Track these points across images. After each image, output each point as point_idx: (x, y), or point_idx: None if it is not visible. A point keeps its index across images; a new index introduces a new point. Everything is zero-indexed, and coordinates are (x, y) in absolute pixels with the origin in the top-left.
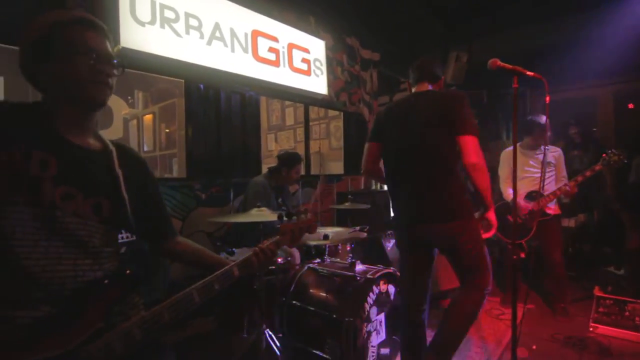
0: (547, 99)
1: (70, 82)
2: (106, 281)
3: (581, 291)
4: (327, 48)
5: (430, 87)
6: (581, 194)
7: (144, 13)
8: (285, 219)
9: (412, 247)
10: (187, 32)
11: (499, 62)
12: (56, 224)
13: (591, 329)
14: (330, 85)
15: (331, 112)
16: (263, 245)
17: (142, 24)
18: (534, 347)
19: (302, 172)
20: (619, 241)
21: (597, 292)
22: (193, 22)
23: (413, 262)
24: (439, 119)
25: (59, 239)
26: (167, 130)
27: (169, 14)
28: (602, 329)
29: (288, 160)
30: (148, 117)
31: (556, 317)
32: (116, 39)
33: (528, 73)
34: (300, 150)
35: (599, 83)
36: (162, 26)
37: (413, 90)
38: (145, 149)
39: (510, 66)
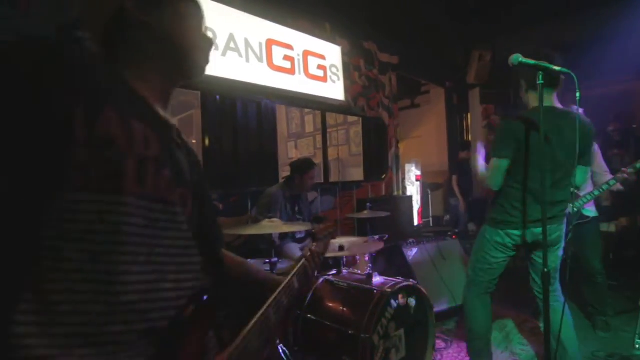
0: (578, 94)
1: (180, 42)
2: (205, 298)
3: (625, 302)
4: (344, 53)
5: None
6: (622, 195)
7: None
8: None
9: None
10: None
11: (522, 58)
12: (172, 225)
13: (637, 346)
14: (347, 90)
15: (350, 118)
16: (311, 250)
17: None
18: None
19: (320, 180)
20: None
21: None
22: (209, 34)
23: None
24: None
25: (166, 245)
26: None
27: None
28: None
29: (300, 167)
30: None
31: (597, 331)
32: None
33: (554, 67)
34: (320, 158)
35: (636, 77)
36: None
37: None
38: None
39: (533, 61)
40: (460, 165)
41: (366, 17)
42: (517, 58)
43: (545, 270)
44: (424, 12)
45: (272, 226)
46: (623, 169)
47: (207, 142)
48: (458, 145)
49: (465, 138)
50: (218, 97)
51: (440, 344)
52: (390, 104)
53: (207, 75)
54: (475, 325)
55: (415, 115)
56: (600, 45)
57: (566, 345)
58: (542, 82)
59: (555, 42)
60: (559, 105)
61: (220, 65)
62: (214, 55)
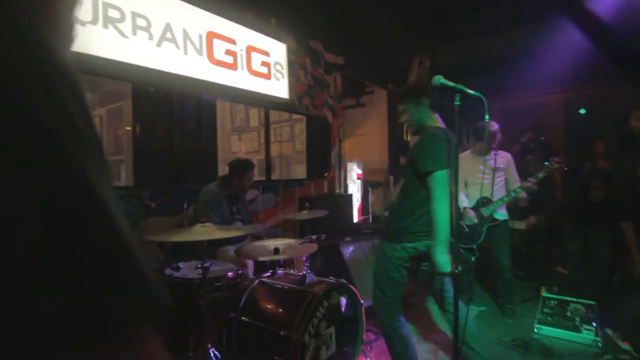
0: (487, 116)
1: None
2: None
3: (530, 291)
4: (289, 51)
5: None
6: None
7: (84, 12)
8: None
9: None
10: (134, 33)
11: (442, 79)
12: None
13: (536, 330)
14: (292, 89)
15: (295, 115)
16: None
17: (83, 23)
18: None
19: (262, 177)
20: (565, 242)
21: (543, 292)
22: (141, 22)
23: None
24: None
25: None
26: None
27: (113, 13)
28: (546, 330)
29: (239, 168)
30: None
31: (504, 318)
32: None
33: (469, 91)
34: (264, 154)
35: (552, 90)
36: (105, 26)
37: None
38: None
39: (452, 84)
40: (400, 169)
41: (313, 15)
42: (439, 79)
43: (457, 269)
44: (370, 15)
45: (205, 231)
46: (529, 178)
47: (138, 136)
48: (395, 147)
49: (405, 138)
50: (152, 89)
51: (370, 336)
52: (335, 103)
53: (140, 67)
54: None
55: (359, 114)
56: (521, 60)
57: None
58: (459, 103)
59: (485, 55)
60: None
61: (155, 56)
62: (148, 44)
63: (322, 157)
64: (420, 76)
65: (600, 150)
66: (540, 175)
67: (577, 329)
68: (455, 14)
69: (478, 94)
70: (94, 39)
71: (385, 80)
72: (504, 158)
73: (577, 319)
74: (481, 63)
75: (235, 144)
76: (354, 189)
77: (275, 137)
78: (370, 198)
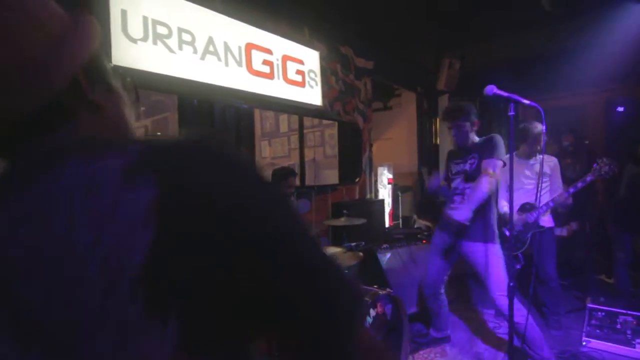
0: (544, 129)
1: None
2: None
3: (574, 301)
4: (321, 58)
5: None
6: (574, 202)
7: (136, 30)
8: None
9: None
10: (180, 48)
11: (496, 90)
12: None
13: (584, 343)
14: (324, 95)
15: (325, 120)
16: None
17: (135, 40)
18: None
19: (296, 183)
20: (610, 249)
21: (589, 303)
22: (186, 37)
23: None
24: None
25: None
26: None
27: (161, 29)
28: (595, 343)
29: (278, 174)
30: (139, 131)
31: (550, 330)
32: (108, 57)
33: (524, 101)
34: (295, 158)
35: (591, 90)
36: (154, 42)
37: None
38: None
39: (506, 94)
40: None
41: (343, 22)
42: (492, 90)
43: (511, 284)
44: (399, 18)
45: None
46: (562, 193)
47: None
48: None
49: (434, 142)
50: (195, 101)
51: (412, 345)
52: (365, 108)
53: (185, 79)
54: None
55: (387, 118)
56: (561, 58)
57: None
58: (514, 113)
59: (518, 55)
60: None
61: (199, 69)
62: (192, 58)
63: (354, 162)
64: (450, 78)
65: None
66: (589, 178)
67: (629, 343)
68: (484, 13)
69: (534, 104)
70: (144, 55)
71: (414, 83)
72: (550, 163)
73: (629, 331)
74: (512, 63)
75: (265, 150)
76: (385, 193)
77: (306, 142)
78: (400, 202)
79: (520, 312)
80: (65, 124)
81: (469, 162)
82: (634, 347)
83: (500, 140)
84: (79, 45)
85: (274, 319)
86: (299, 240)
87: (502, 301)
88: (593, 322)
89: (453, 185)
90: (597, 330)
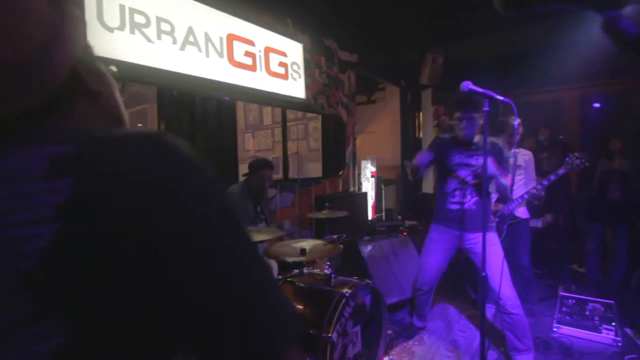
0: (517, 123)
1: None
2: None
3: (547, 289)
4: (305, 50)
5: None
6: (549, 194)
7: (112, 18)
8: None
9: None
10: (159, 37)
11: (471, 86)
12: None
13: (555, 329)
14: (308, 88)
15: (310, 113)
16: None
17: (111, 29)
18: (502, 349)
19: (279, 175)
20: (582, 240)
21: (561, 291)
22: (165, 26)
23: None
24: None
25: None
26: None
27: (139, 18)
28: (565, 330)
29: (253, 166)
30: None
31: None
32: None
33: (498, 97)
34: (279, 151)
35: (567, 86)
36: (132, 31)
37: None
38: None
39: (481, 90)
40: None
41: (328, 14)
42: (468, 85)
43: (483, 274)
44: (383, 12)
45: None
46: (536, 185)
47: None
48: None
49: (417, 135)
50: (175, 92)
51: (390, 334)
52: (349, 101)
53: (164, 70)
54: None
55: (371, 111)
56: (538, 55)
57: None
58: (488, 109)
59: (497, 52)
60: None
61: (179, 60)
62: (172, 48)
63: (337, 156)
64: (433, 73)
65: (616, 147)
66: (561, 171)
67: (596, 329)
68: (467, 10)
69: (507, 100)
70: (121, 44)
71: (398, 77)
72: (525, 156)
73: (597, 318)
74: (494, 59)
75: (248, 142)
76: (368, 186)
77: (290, 135)
78: (384, 194)
79: (516, 304)
80: (59, 113)
81: (475, 158)
82: (600, 333)
83: (501, 147)
84: (73, 38)
85: (193, 337)
86: (234, 257)
87: (507, 291)
88: (564, 309)
89: (456, 174)
90: (567, 317)
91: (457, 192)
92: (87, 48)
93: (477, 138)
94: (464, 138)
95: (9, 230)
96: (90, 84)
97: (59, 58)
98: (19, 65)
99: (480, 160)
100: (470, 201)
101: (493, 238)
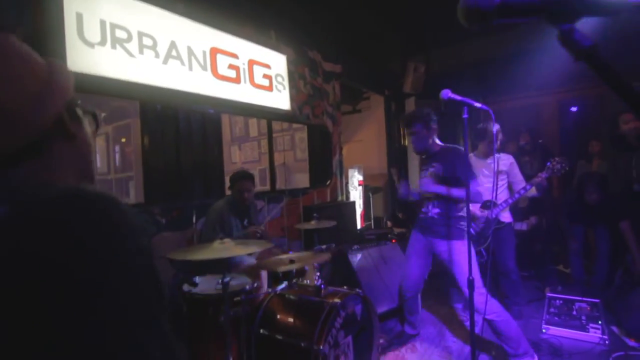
0: (496, 128)
1: None
2: None
3: (534, 291)
4: (289, 62)
5: None
6: (531, 198)
7: (92, 34)
8: None
9: None
10: (141, 52)
11: (450, 94)
12: None
13: (544, 330)
14: (293, 99)
15: (295, 124)
16: None
17: (92, 45)
18: (494, 352)
19: (266, 188)
20: (566, 241)
21: (548, 292)
22: (147, 41)
23: None
24: None
25: None
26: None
27: (120, 33)
28: (554, 330)
29: (231, 179)
30: (100, 138)
31: None
32: (63, 62)
33: (476, 105)
34: (265, 162)
35: (545, 92)
36: (113, 47)
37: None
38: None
39: (459, 98)
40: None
41: (310, 25)
42: (447, 94)
43: (470, 278)
44: (366, 23)
45: (224, 248)
46: (539, 173)
47: (147, 154)
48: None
49: (402, 143)
50: (159, 106)
51: (382, 343)
52: (334, 111)
53: (147, 85)
54: None
55: (356, 120)
56: (517, 61)
57: None
58: (467, 116)
59: (478, 58)
60: None
61: (162, 74)
62: (154, 62)
63: (324, 166)
64: (415, 81)
65: (595, 149)
66: (543, 175)
67: (584, 328)
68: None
69: (485, 107)
70: (102, 60)
71: (381, 87)
72: (506, 161)
73: (583, 317)
74: (474, 66)
75: (235, 155)
76: (356, 195)
77: (276, 146)
78: (372, 203)
79: (494, 309)
80: (39, 155)
81: (431, 169)
82: (588, 332)
83: (460, 153)
84: (61, 90)
85: None
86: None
87: (476, 298)
88: (552, 310)
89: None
90: (556, 318)
91: (425, 202)
92: (73, 97)
93: (438, 147)
94: (417, 152)
95: None
96: (71, 128)
97: (50, 107)
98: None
99: (440, 169)
100: (432, 211)
101: (459, 246)
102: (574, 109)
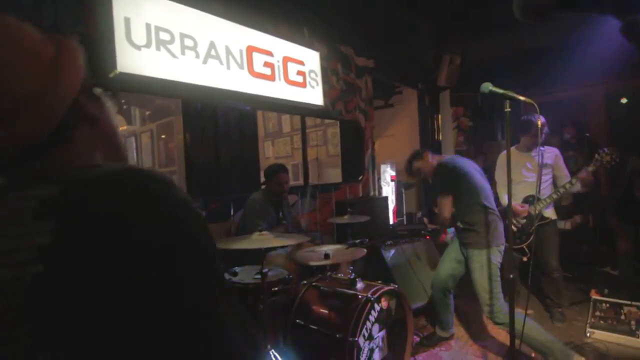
0: (539, 123)
1: None
2: None
3: (578, 293)
4: (322, 58)
5: None
6: (576, 195)
7: (139, 37)
8: None
9: None
10: (183, 53)
11: (492, 87)
12: None
13: (588, 334)
14: (326, 94)
15: (328, 119)
16: None
17: (138, 47)
18: (533, 354)
19: (299, 182)
20: (614, 242)
21: (593, 295)
22: (188, 42)
23: None
24: None
25: None
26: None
27: (164, 36)
28: (599, 334)
29: (267, 172)
30: (146, 135)
31: (554, 322)
32: (113, 64)
33: (520, 98)
34: (298, 158)
35: (591, 83)
36: (157, 48)
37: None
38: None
39: (501, 91)
40: None
41: (342, 21)
42: (488, 87)
43: (511, 276)
44: (398, 16)
45: (263, 240)
46: (585, 168)
47: (189, 150)
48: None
49: (436, 138)
50: (199, 104)
51: (415, 339)
52: (366, 106)
53: (188, 84)
54: None
55: (389, 115)
56: (559, 52)
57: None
58: (509, 110)
59: (517, 49)
60: None
61: (202, 73)
62: (195, 63)
63: (356, 161)
64: (450, 74)
65: None
66: (590, 168)
67: (633, 333)
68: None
69: (529, 100)
70: (148, 61)
71: (415, 80)
72: (551, 154)
73: (633, 322)
74: (513, 58)
75: (268, 150)
76: (388, 191)
77: (309, 141)
78: (404, 198)
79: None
80: (62, 143)
81: None
82: (638, 337)
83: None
84: (73, 69)
85: None
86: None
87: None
88: (597, 313)
89: None
90: (601, 322)
91: None
92: (87, 76)
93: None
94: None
95: (5, 269)
96: (90, 110)
97: (62, 90)
98: (18, 101)
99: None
100: None
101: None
102: (623, 100)
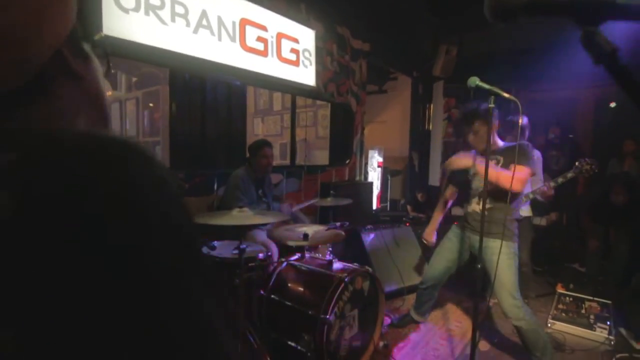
0: (520, 121)
1: None
2: None
3: (546, 286)
4: (317, 37)
5: None
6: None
7: None
8: None
9: None
10: (173, 20)
11: (478, 82)
12: None
13: (549, 325)
14: (318, 75)
15: (319, 101)
16: None
17: (126, 10)
18: (495, 340)
19: (286, 162)
20: (585, 240)
21: (559, 288)
22: (179, 9)
23: None
24: None
25: None
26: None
27: (154, 0)
28: (559, 325)
29: (252, 147)
30: (131, 102)
31: None
32: (99, 26)
33: (504, 95)
34: (287, 137)
35: (581, 85)
36: (146, 13)
37: None
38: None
39: (487, 86)
40: None
41: (341, 1)
42: (475, 81)
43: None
44: (398, 1)
45: (243, 216)
46: (555, 178)
47: (174, 120)
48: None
49: (426, 127)
50: (187, 75)
51: (387, 319)
52: (359, 90)
53: (177, 53)
54: None
55: (381, 101)
56: (550, 52)
57: None
58: (494, 105)
59: (512, 46)
60: None
61: (192, 43)
62: (185, 31)
63: (345, 144)
64: (446, 65)
65: (629, 148)
66: (569, 175)
67: (590, 327)
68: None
69: (513, 98)
70: (136, 25)
71: (410, 68)
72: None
73: (592, 316)
74: (508, 53)
75: (258, 127)
76: (374, 176)
77: (299, 121)
78: (390, 185)
79: (518, 316)
80: (41, 98)
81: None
82: (594, 331)
83: (526, 148)
84: (61, 16)
85: None
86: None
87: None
88: (560, 306)
89: (473, 186)
90: (563, 314)
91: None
92: (76, 28)
93: (500, 145)
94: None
95: None
96: (74, 66)
97: (46, 36)
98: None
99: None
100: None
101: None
102: (612, 104)
